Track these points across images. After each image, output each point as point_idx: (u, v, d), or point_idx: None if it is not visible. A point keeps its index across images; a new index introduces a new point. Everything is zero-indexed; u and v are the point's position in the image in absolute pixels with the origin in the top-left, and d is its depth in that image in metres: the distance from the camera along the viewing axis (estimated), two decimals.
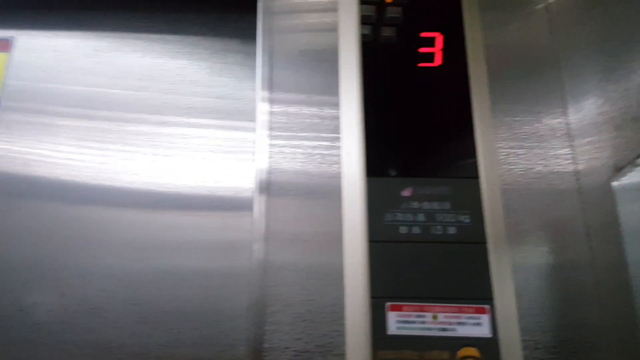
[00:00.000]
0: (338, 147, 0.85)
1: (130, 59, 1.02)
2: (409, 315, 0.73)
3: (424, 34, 0.87)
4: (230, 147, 0.96)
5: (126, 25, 1.04)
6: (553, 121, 0.86)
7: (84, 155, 0.95)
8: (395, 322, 0.73)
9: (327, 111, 0.87)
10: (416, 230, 0.77)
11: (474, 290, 0.74)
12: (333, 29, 0.92)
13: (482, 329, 0.73)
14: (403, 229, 0.78)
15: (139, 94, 0.99)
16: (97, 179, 0.94)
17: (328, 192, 0.83)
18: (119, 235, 0.91)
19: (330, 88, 0.88)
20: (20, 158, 0.95)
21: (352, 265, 0.77)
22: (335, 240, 0.80)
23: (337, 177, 0.83)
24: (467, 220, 0.78)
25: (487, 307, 0.74)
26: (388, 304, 0.74)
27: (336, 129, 0.86)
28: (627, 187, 0.74)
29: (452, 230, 0.77)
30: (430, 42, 0.87)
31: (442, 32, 0.88)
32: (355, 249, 0.78)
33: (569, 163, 0.84)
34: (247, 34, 1.02)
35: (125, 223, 0.91)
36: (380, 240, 0.78)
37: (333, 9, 0.93)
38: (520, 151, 0.84)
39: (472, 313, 0.73)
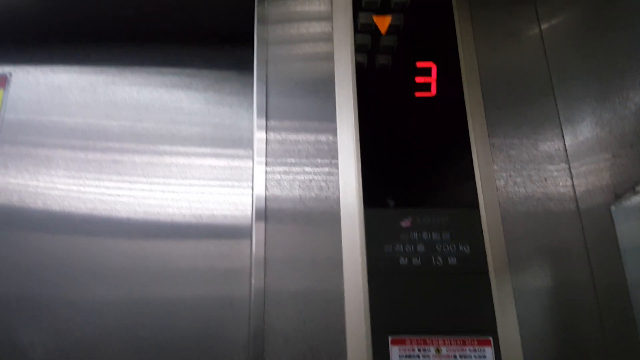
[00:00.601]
0: (335, 174, 0.85)
1: (126, 92, 1.02)
2: (412, 349, 0.72)
3: (420, 64, 0.88)
4: (227, 176, 0.97)
5: (122, 59, 1.05)
6: (550, 148, 0.86)
7: (81, 188, 0.95)
8: (398, 357, 0.72)
9: (324, 139, 0.87)
10: (416, 261, 0.77)
11: (477, 322, 0.73)
12: (328, 57, 0.93)
13: None
14: (403, 260, 0.77)
15: (135, 125, 0.99)
16: (94, 211, 0.93)
17: (326, 219, 0.82)
18: (115, 266, 0.90)
19: (327, 116, 0.88)
20: (17, 191, 0.95)
21: (353, 298, 0.76)
22: (334, 268, 0.79)
23: (335, 206, 0.83)
24: (467, 250, 0.77)
25: (490, 338, 0.73)
26: (390, 337, 0.73)
27: (333, 155, 0.86)
28: (626, 209, 0.73)
29: (452, 261, 0.76)
30: (427, 72, 0.87)
31: (437, 62, 0.88)
32: (355, 281, 0.77)
33: (567, 189, 0.84)
34: (242, 64, 1.03)
35: (122, 253, 0.91)
36: (380, 272, 0.77)
37: (328, 38, 0.94)
38: (518, 179, 0.84)
39: (475, 345, 0.72)
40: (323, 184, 0.85)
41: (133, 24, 1.04)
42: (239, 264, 0.90)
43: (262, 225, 0.82)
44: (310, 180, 0.85)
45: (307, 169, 0.86)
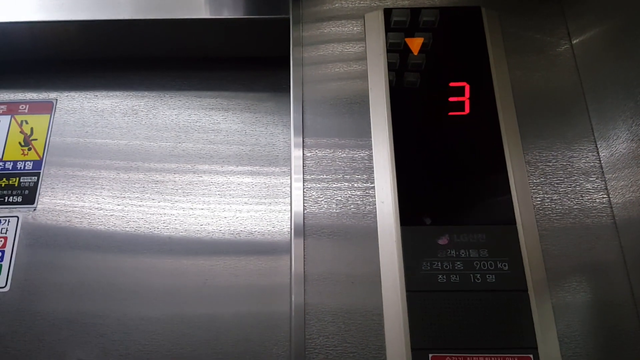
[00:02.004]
0: (372, 191, 0.86)
1: (167, 116, 1.06)
2: None
3: (453, 84, 0.89)
4: (264, 193, 0.99)
5: (162, 84, 1.08)
6: (585, 164, 0.87)
7: (124, 208, 0.98)
8: None
9: (360, 156, 0.89)
10: (454, 279, 0.77)
11: (517, 339, 0.74)
12: (362, 77, 0.94)
13: None
14: (441, 278, 0.78)
15: (175, 146, 1.03)
16: (137, 231, 0.96)
17: (364, 236, 0.84)
18: (159, 284, 0.93)
19: (362, 134, 0.90)
20: (63, 214, 0.98)
21: (392, 316, 0.77)
22: (372, 285, 0.80)
23: (372, 222, 0.84)
24: (505, 268, 0.78)
25: (531, 356, 0.73)
26: (430, 355, 0.74)
27: (369, 173, 0.87)
28: None
29: (491, 279, 0.77)
30: (460, 91, 0.88)
31: (470, 81, 0.89)
32: (393, 299, 0.78)
33: (604, 205, 0.84)
34: (277, 85, 1.06)
35: (164, 272, 0.94)
36: (418, 289, 0.78)
37: (361, 58, 0.96)
38: (555, 196, 0.84)
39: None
40: (359, 200, 0.86)
41: (172, 50, 1.07)
42: (278, 280, 0.92)
43: (300, 241, 0.83)
44: (347, 197, 0.86)
45: (343, 185, 0.87)
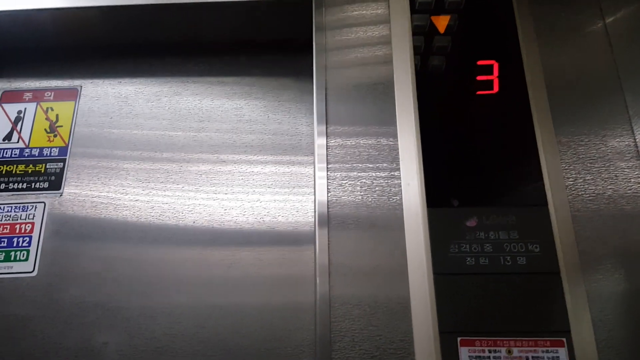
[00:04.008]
0: (397, 177, 0.84)
1: (189, 101, 1.05)
2: (482, 351, 0.71)
3: (481, 62, 0.87)
4: (288, 182, 0.98)
5: (185, 70, 1.08)
6: (620, 143, 0.84)
7: (149, 197, 0.98)
8: (468, 358, 0.71)
9: (384, 142, 0.87)
10: (483, 261, 0.75)
11: (550, 323, 0.72)
12: (387, 60, 0.93)
13: None
14: (470, 261, 0.76)
15: (198, 135, 1.02)
16: (162, 219, 0.96)
17: (389, 223, 0.82)
18: (183, 273, 0.92)
19: (387, 119, 0.88)
20: (89, 201, 0.99)
21: (419, 299, 0.76)
22: (399, 272, 0.79)
23: (398, 208, 0.82)
24: (537, 250, 0.75)
25: (564, 339, 0.71)
26: (459, 338, 0.72)
27: (394, 159, 0.86)
28: None
29: (521, 261, 0.75)
30: (488, 69, 0.86)
31: (499, 59, 0.87)
32: (420, 282, 0.76)
33: None
34: (300, 71, 1.04)
35: (188, 261, 0.93)
36: (446, 272, 0.76)
37: (386, 41, 0.94)
38: (588, 176, 0.82)
39: (548, 347, 0.70)
40: (385, 187, 0.84)
41: (194, 36, 1.07)
42: (303, 270, 0.91)
43: (325, 231, 0.82)
44: (372, 184, 0.85)
45: (368, 172, 0.86)
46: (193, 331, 0.88)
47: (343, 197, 0.85)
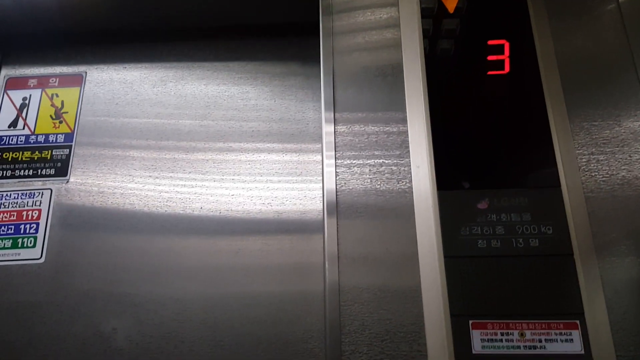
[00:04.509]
0: (406, 163, 0.83)
1: (195, 86, 1.04)
2: (495, 334, 0.70)
3: (492, 42, 0.85)
4: (296, 170, 0.97)
5: (190, 54, 1.07)
6: (634, 124, 0.82)
7: (156, 185, 0.97)
8: (480, 341, 0.70)
9: (393, 127, 0.86)
10: (495, 244, 0.74)
11: (563, 305, 0.70)
12: (395, 44, 0.91)
13: (574, 346, 0.69)
14: (481, 243, 0.75)
15: (205, 122, 1.01)
16: (169, 207, 0.96)
17: (399, 208, 0.81)
18: (191, 261, 0.92)
19: (395, 104, 0.87)
20: (95, 184, 0.98)
21: (429, 283, 0.75)
22: (409, 257, 0.78)
23: (407, 192, 0.81)
24: (549, 232, 0.74)
25: (577, 322, 0.70)
26: (471, 321, 0.71)
27: (403, 145, 0.84)
28: None
29: (534, 243, 0.74)
30: (499, 49, 0.85)
31: (510, 39, 0.85)
32: (431, 266, 0.75)
33: None
34: (307, 56, 1.03)
35: (196, 249, 0.93)
36: (457, 255, 0.75)
37: (395, 24, 0.92)
38: (602, 157, 0.80)
39: (562, 329, 0.69)
40: (394, 171, 0.83)
41: (200, 21, 1.06)
42: (311, 257, 0.90)
43: (334, 218, 0.81)
44: (381, 170, 0.84)
45: (377, 159, 0.84)
46: (201, 317, 0.88)
47: (351, 184, 0.83)
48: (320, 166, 0.91)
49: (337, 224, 0.81)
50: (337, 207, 0.82)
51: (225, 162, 0.98)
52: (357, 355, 0.75)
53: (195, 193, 0.96)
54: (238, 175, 0.97)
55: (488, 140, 0.80)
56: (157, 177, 0.98)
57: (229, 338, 0.86)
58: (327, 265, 0.79)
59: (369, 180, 0.83)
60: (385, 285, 0.77)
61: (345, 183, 0.84)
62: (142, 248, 0.93)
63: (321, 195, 0.91)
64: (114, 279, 0.91)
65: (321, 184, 0.88)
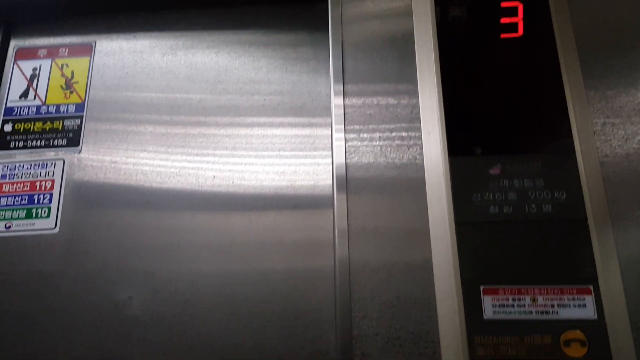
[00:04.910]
0: (417, 132, 0.82)
1: (205, 55, 1.03)
2: (506, 299, 0.70)
3: (505, 4, 0.83)
4: (306, 144, 0.95)
5: (200, 22, 1.06)
6: None
7: (168, 161, 0.97)
8: (491, 307, 0.70)
9: (404, 97, 0.85)
10: (507, 209, 0.73)
11: (576, 271, 0.70)
12: (406, 12, 0.89)
13: (587, 311, 0.68)
14: (493, 209, 0.74)
15: (216, 94, 1.00)
16: (182, 183, 0.95)
17: (409, 179, 0.80)
18: (204, 237, 0.92)
19: (406, 73, 0.86)
20: (108, 154, 0.98)
21: (440, 250, 0.75)
22: (419, 225, 0.78)
23: (418, 160, 0.81)
24: (563, 197, 0.73)
25: (591, 287, 0.69)
26: (482, 287, 0.71)
27: (414, 114, 0.83)
28: None
29: (547, 208, 0.73)
30: (513, 11, 0.83)
31: (524, 1, 0.83)
32: (442, 233, 0.75)
33: None
34: (317, 25, 1.01)
35: (209, 225, 0.92)
36: (469, 222, 0.74)
37: None
38: (617, 120, 0.79)
39: (574, 294, 0.69)
40: (405, 140, 0.83)
41: None
42: (322, 232, 0.89)
43: (343, 192, 0.81)
44: (392, 141, 0.83)
45: (387, 131, 0.84)
46: (216, 284, 0.88)
47: (361, 157, 0.83)
48: (330, 140, 0.90)
49: (347, 198, 0.81)
50: (347, 180, 0.82)
51: (237, 136, 0.97)
52: (367, 321, 0.75)
53: (206, 168, 0.96)
54: (249, 150, 0.96)
55: (501, 105, 0.79)
56: (168, 152, 0.97)
57: (242, 309, 0.87)
58: (337, 239, 0.78)
59: (379, 153, 0.83)
60: (395, 254, 0.77)
61: (355, 156, 0.83)
62: (154, 223, 0.93)
63: (331, 170, 0.89)
64: (129, 247, 0.92)
65: (331, 159, 0.86)
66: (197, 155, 0.97)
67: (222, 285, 0.88)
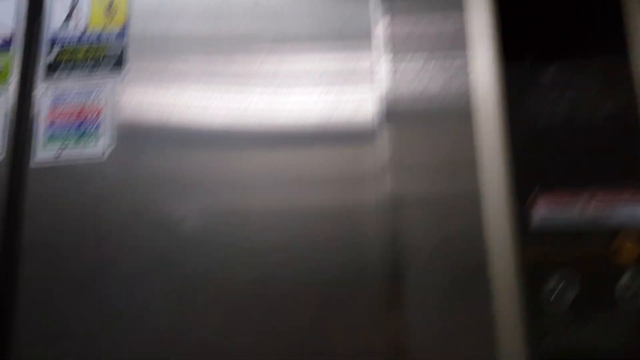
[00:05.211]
0: (464, 60, 0.80)
1: None
2: (557, 203, 0.70)
3: None
4: (347, 75, 0.93)
5: None
6: None
7: (207, 101, 0.97)
8: (541, 213, 0.70)
9: (450, 20, 0.82)
10: (561, 116, 0.73)
11: (631, 174, 0.70)
12: None
13: None
14: (546, 116, 0.73)
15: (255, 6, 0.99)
16: (223, 122, 0.95)
17: (456, 104, 0.79)
18: (247, 175, 0.92)
19: None
20: (156, 74, 0.99)
21: (490, 160, 0.75)
22: (467, 136, 0.77)
23: (466, 75, 0.79)
24: (618, 104, 0.72)
25: None
26: (533, 192, 0.71)
27: (460, 34, 0.81)
28: None
29: (601, 114, 0.72)
30: None
31: None
32: (492, 138, 0.75)
33: None
34: None
35: (251, 162, 0.93)
36: (520, 131, 0.74)
37: None
38: None
39: (630, 196, 0.69)
40: (453, 64, 0.81)
41: None
42: (366, 167, 0.88)
43: (387, 124, 0.80)
44: (438, 68, 0.81)
45: (432, 55, 0.82)
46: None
47: (404, 87, 0.81)
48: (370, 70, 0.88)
49: (391, 130, 0.80)
50: (391, 112, 0.81)
51: (279, 72, 0.96)
52: (413, 231, 0.76)
53: (247, 105, 0.95)
54: (288, 86, 0.95)
55: (554, 9, 0.77)
56: (208, 92, 0.97)
57: (287, 242, 0.88)
58: (380, 175, 0.78)
59: (424, 79, 0.81)
60: (442, 184, 0.77)
61: (397, 86, 0.82)
62: (196, 164, 0.94)
63: (373, 101, 0.87)
64: (171, 194, 0.93)
65: (373, 89, 0.84)
66: (240, 92, 0.96)
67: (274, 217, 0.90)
